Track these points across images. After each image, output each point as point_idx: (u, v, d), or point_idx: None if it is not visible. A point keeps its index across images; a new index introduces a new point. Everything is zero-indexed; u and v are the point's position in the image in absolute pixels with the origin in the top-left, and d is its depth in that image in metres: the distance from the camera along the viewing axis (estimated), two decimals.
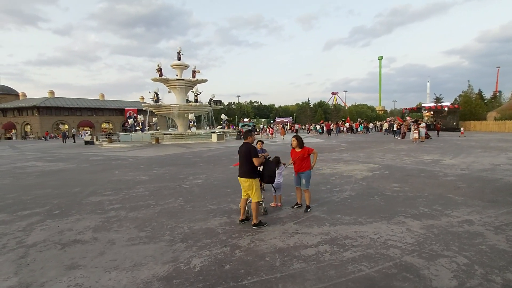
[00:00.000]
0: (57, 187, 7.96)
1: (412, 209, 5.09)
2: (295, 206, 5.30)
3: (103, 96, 69.39)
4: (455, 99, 48.22)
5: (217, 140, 25.23)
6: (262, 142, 5.32)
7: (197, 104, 29.12)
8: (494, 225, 4.24)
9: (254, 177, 4.46)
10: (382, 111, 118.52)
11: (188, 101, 31.15)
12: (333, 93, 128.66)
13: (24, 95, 61.67)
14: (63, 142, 33.50)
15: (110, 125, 63.30)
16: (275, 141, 24.84)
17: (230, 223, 4.64)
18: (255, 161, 4.38)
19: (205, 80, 31.62)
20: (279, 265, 3.23)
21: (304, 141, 5.32)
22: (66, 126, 56.18)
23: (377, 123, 41.07)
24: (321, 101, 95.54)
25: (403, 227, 4.26)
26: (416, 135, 19.24)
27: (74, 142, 33.22)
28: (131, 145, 23.35)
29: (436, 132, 27.17)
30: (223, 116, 32.71)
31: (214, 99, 33.51)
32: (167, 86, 30.80)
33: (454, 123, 37.24)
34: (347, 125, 38.54)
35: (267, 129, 33.88)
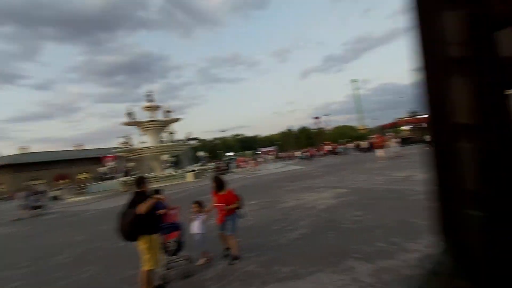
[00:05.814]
0: None
1: (367, 246, 4.23)
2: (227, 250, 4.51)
3: (79, 146, 67.72)
4: None
5: (193, 179, 24.08)
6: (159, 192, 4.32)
7: (170, 144, 28.28)
8: None
9: (150, 233, 3.55)
10: (365, 130, 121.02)
11: (162, 142, 30.29)
12: (315, 118, 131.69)
13: None
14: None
15: (88, 175, 60.83)
16: (254, 173, 23.89)
17: None
18: (141, 207, 3.40)
19: (178, 119, 31.11)
20: None
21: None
22: (40, 181, 53.39)
23: (355, 142, 41.17)
24: (303, 127, 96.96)
25: (348, 276, 3.37)
26: (381, 154, 18.23)
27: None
28: (98, 196, 21.74)
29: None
30: (200, 153, 31.85)
31: (190, 136, 32.88)
32: (140, 129, 30.03)
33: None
34: (328, 148, 38.49)
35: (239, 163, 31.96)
